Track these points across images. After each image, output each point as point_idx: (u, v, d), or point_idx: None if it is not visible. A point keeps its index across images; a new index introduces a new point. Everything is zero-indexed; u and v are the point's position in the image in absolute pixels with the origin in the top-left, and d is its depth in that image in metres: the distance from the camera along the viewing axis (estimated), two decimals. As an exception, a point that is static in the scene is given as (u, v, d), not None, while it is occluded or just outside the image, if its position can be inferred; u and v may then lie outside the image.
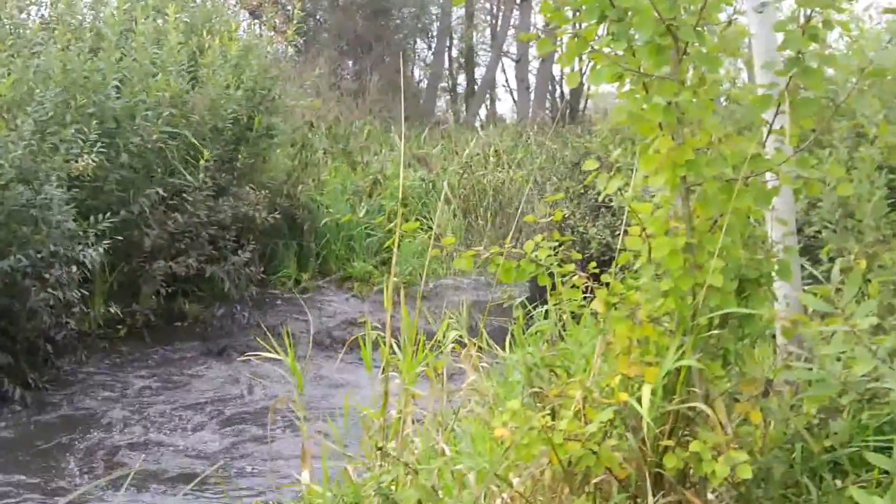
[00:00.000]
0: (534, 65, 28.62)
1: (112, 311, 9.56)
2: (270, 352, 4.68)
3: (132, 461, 6.99)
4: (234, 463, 7.03)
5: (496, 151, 17.08)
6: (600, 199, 8.95)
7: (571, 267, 3.70)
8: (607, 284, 3.43)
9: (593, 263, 3.91)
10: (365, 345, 4.51)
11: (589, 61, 3.36)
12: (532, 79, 28.05)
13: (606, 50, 3.20)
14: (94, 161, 9.12)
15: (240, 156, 11.69)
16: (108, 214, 9.08)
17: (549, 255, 3.64)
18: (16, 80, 9.50)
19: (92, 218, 9.01)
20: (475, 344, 4.64)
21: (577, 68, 3.22)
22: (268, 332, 8.99)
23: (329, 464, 4.31)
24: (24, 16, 11.55)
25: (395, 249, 4.63)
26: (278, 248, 12.73)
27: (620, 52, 3.18)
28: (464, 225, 14.60)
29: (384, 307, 4.57)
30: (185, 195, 10.70)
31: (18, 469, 6.97)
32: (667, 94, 3.11)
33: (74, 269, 8.54)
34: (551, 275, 3.68)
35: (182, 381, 9.34)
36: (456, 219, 14.61)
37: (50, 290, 8.33)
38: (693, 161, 3.12)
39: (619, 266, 3.56)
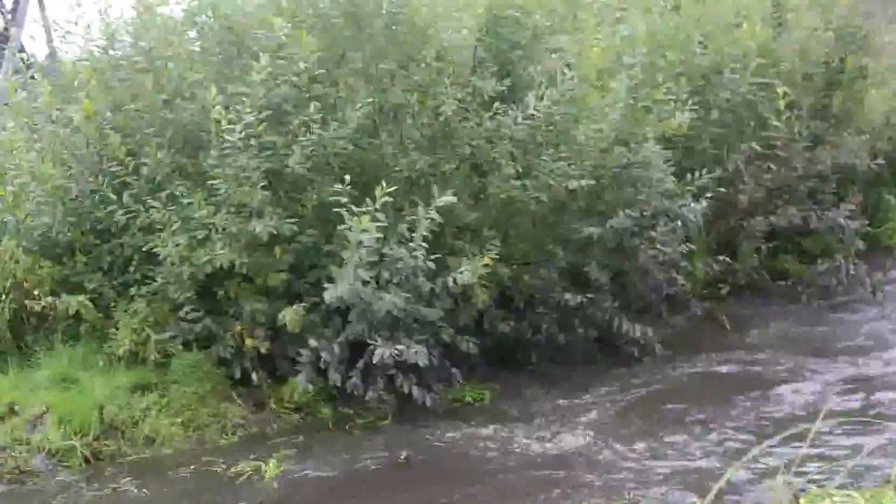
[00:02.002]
0: None
1: (714, 269, 9.38)
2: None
3: (781, 415, 6.91)
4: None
5: None
6: None
7: None
8: None
9: None
10: None
11: None
12: None
13: None
14: (686, 120, 8.93)
15: (834, 101, 11.03)
16: (704, 172, 8.86)
17: None
18: (604, 47, 9.58)
19: (688, 176, 8.85)
20: None
21: None
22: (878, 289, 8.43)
23: None
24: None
25: None
26: (882, 198, 11.81)
27: None
28: None
29: None
30: (777, 148, 10.22)
31: (663, 421, 7.12)
32: None
33: (678, 226, 8.51)
34: None
35: (802, 335, 9.09)
36: None
37: (657, 247, 8.43)
38: None
39: None
